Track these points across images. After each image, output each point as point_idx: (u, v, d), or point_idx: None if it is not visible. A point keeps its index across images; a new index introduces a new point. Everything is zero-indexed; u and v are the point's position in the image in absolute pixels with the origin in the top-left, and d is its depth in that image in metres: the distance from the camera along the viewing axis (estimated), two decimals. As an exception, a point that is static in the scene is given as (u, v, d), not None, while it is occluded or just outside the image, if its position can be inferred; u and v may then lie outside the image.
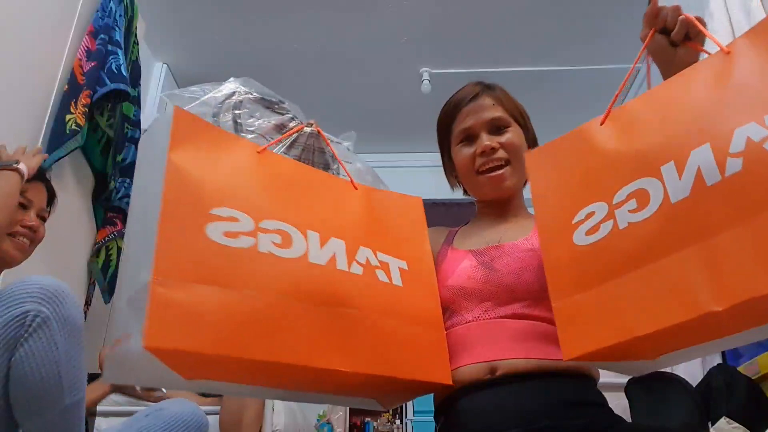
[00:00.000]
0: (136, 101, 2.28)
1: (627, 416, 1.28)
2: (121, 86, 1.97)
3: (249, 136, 0.89)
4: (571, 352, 0.69)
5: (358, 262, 0.73)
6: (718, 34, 1.71)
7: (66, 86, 1.89)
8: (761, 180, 0.59)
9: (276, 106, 0.94)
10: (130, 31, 2.22)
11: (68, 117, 1.82)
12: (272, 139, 0.92)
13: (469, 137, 1.06)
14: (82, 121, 1.83)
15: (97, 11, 2.07)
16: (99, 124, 2.03)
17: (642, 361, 0.72)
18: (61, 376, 0.96)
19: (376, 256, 0.76)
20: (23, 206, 1.31)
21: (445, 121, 1.12)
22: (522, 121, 1.09)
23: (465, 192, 1.15)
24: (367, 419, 4.20)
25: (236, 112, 0.90)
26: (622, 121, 0.75)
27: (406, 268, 0.78)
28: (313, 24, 2.73)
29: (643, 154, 0.69)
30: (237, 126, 0.90)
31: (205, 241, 0.64)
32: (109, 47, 2.01)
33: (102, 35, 2.01)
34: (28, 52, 1.76)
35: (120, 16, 2.12)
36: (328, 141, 0.94)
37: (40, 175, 1.38)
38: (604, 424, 0.83)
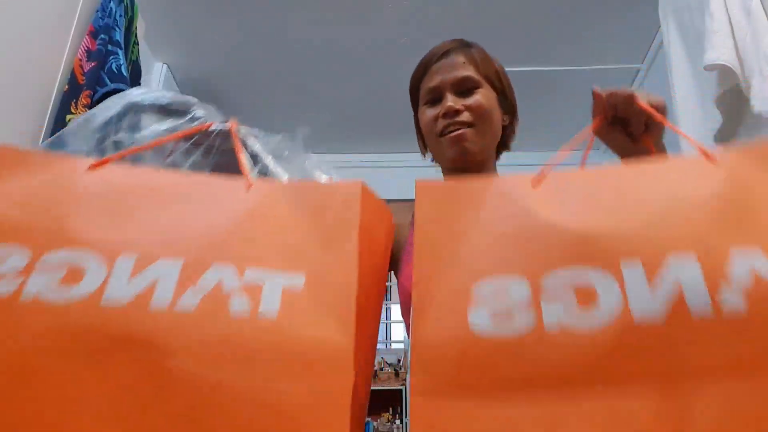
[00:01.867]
0: (136, 101, 2.28)
1: (626, 416, 1.28)
2: (122, 86, 1.97)
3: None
4: None
5: (195, 290, 0.52)
6: (718, 34, 1.71)
7: (66, 86, 1.89)
8: None
9: (177, 111, 0.80)
10: (130, 31, 2.22)
11: (68, 117, 1.83)
12: (176, 147, 0.77)
13: (435, 98, 0.99)
14: (82, 121, 1.84)
15: (97, 11, 2.07)
16: (99, 124, 2.03)
17: None
18: None
19: (242, 276, 0.53)
20: None
21: (414, 79, 1.04)
22: (498, 84, 1.00)
23: (433, 159, 1.08)
24: (367, 419, 4.20)
25: (115, 130, 0.78)
26: (564, 190, 0.58)
27: (301, 285, 0.54)
28: (313, 24, 2.73)
29: (595, 239, 0.51)
30: (118, 147, 0.77)
31: None
32: (110, 47, 2.02)
33: (102, 35, 2.02)
34: (28, 52, 1.76)
35: (120, 16, 2.12)
36: (249, 137, 0.79)
37: None
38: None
